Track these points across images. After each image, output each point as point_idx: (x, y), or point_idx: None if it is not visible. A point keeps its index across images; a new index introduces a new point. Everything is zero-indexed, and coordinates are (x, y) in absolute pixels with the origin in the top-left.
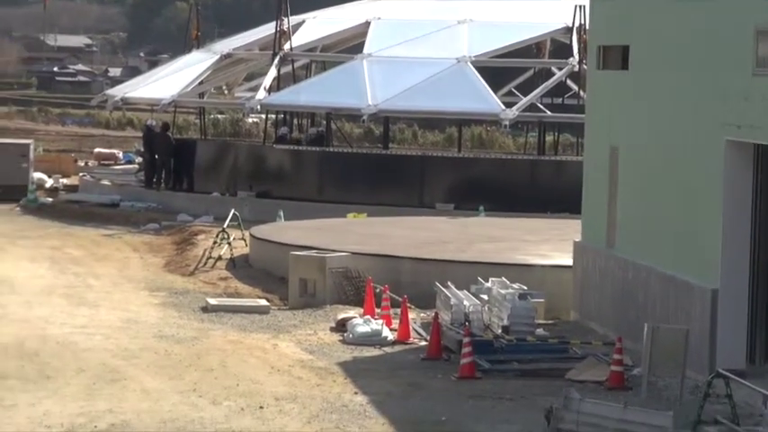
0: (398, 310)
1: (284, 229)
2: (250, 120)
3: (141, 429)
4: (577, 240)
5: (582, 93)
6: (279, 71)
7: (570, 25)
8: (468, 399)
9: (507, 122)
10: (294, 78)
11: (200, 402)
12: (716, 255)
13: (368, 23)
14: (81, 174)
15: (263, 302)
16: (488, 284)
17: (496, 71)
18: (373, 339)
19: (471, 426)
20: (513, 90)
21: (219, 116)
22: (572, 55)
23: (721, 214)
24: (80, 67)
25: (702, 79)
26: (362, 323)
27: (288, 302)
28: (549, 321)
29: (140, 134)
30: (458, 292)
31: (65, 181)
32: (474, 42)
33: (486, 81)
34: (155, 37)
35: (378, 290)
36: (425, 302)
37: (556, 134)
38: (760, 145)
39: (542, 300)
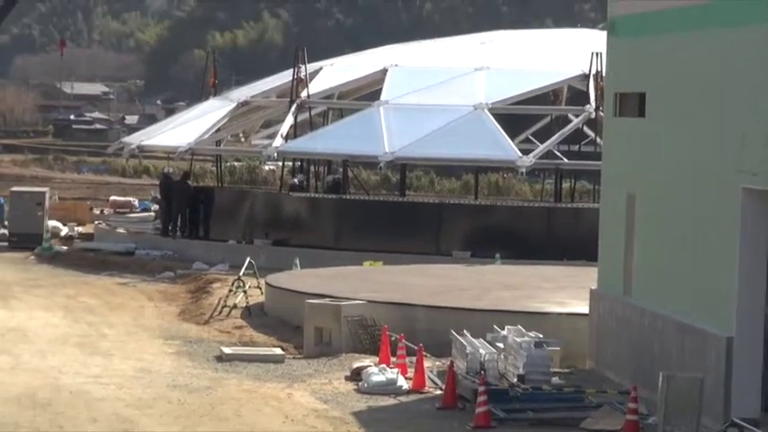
0: (414, 359)
1: (300, 278)
2: (267, 167)
3: None
4: (594, 288)
5: (599, 140)
6: (296, 118)
7: (587, 72)
8: None
9: (524, 170)
10: (311, 126)
11: None
12: (731, 303)
13: (385, 71)
14: (96, 222)
15: (278, 351)
16: (504, 332)
17: (513, 118)
18: (388, 388)
19: None
20: (530, 137)
21: (236, 164)
22: (589, 102)
23: (737, 262)
24: (96, 114)
25: (719, 126)
26: (378, 372)
27: (303, 351)
28: (565, 370)
29: (156, 182)
30: (473, 340)
31: (80, 229)
32: (491, 89)
33: (503, 128)
34: (172, 85)
35: (393, 338)
36: (441, 351)
37: (572, 181)
38: None
39: (558, 348)
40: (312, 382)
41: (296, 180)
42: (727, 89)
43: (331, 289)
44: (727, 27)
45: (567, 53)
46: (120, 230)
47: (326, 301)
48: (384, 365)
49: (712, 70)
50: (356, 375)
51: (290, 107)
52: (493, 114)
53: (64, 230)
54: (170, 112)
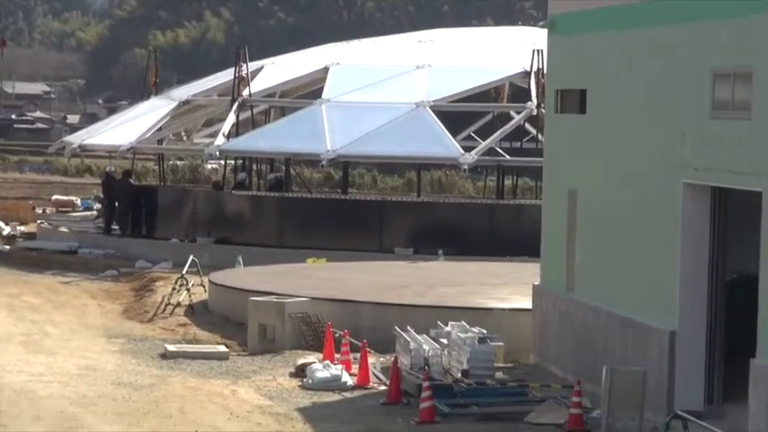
0: (358, 355)
1: (243, 275)
2: (209, 166)
3: None
4: (536, 284)
5: (540, 136)
6: (238, 117)
7: (528, 70)
8: None
9: (466, 167)
10: (253, 124)
11: None
12: (673, 297)
13: (326, 69)
14: (39, 221)
15: (222, 348)
16: (448, 328)
17: (455, 116)
18: (333, 384)
19: None
20: (472, 134)
21: (178, 162)
22: (530, 99)
23: (679, 257)
24: (38, 114)
25: (660, 122)
26: (322, 368)
27: (247, 348)
28: (509, 365)
29: (99, 181)
30: (417, 336)
31: (22, 228)
32: (433, 87)
33: (445, 125)
34: (113, 84)
35: (337, 335)
36: (385, 347)
37: (515, 178)
38: (717, 187)
39: (502, 343)
40: (256, 379)
41: (241, 177)
42: (667, 86)
43: (274, 286)
44: (666, 25)
45: (508, 51)
46: (63, 229)
47: (270, 298)
48: (328, 362)
49: (652, 67)
50: (300, 372)
51: (231, 106)
52: (435, 112)
53: (6, 230)
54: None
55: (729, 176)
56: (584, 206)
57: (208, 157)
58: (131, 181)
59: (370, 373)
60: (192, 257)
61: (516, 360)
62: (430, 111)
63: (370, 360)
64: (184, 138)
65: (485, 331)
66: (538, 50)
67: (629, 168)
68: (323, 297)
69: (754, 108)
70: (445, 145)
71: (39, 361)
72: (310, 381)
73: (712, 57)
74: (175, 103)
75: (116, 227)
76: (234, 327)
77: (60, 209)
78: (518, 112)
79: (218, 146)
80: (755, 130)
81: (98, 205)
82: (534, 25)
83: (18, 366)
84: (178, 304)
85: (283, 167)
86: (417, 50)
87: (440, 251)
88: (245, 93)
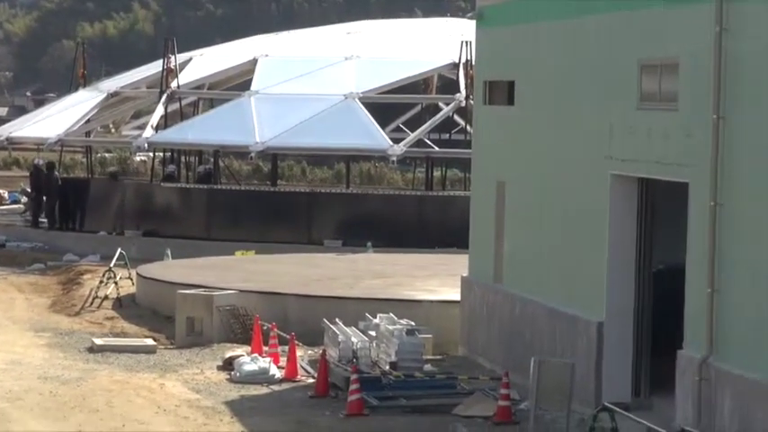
0: (286, 348)
1: (171, 268)
2: (138, 158)
3: None
4: (465, 275)
5: (469, 128)
6: (166, 109)
7: (457, 61)
8: None
9: (395, 158)
10: (182, 116)
11: None
12: (601, 288)
13: (255, 61)
14: None
15: (150, 342)
16: (376, 321)
17: (384, 107)
18: (261, 377)
19: None
20: (401, 126)
21: (107, 155)
22: (459, 90)
23: (607, 248)
24: None
25: (587, 114)
26: (250, 361)
27: (175, 341)
28: (437, 357)
29: (26, 174)
30: (345, 328)
31: None
32: (361, 79)
33: (374, 117)
34: (41, 76)
35: (265, 327)
36: (313, 339)
37: (444, 169)
38: (644, 179)
39: (430, 335)
40: (184, 372)
41: (170, 169)
42: (595, 77)
43: (202, 279)
44: (593, 16)
45: (436, 42)
46: None
47: (198, 291)
48: (256, 355)
49: (579, 59)
50: (228, 365)
51: (160, 98)
52: (363, 103)
53: None
54: (40, 103)
55: (656, 168)
56: (512, 198)
57: (136, 149)
58: (56, 173)
59: (299, 365)
60: (119, 250)
61: (445, 352)
62: (359, 102)
63: (299, 353)
64: (113, 130)
65: (413, 323)
66: (466, 42)
67: (558, 160)
68: (251, 290)
69: (681, 99)
70: (374, 137)
71: None
72: (238, 374)
73: (639, 48)
74: (104, 96)
75: (44, 220)
76: (162, 320)
77: None
78: (447, 104)
79: (147, 138)
80: (682, 122)
81: (25, 198)
82: (463, 17)
83: None
84: (106, 297)
85: (212, 160)
86: (346, 42)
87: (369, 243)
88: (174, 85)
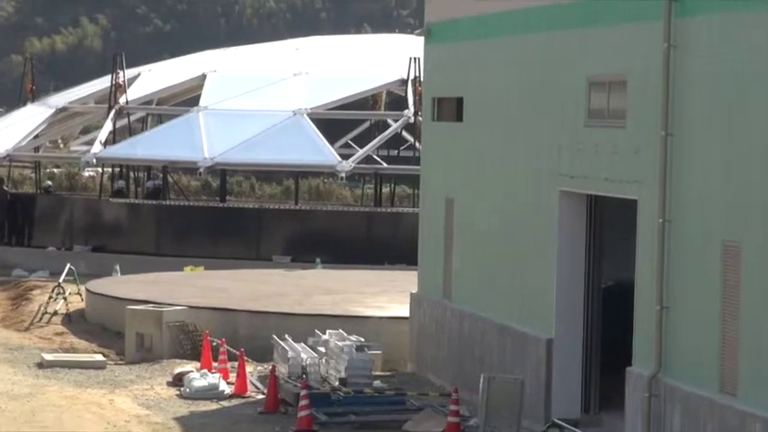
0: (236, 364)
1: (120, 284)
2: (86, 173)
3: None
4: (414, 292)
5: (418, 144)
6: (115, 124)
7: (405, 78)
8: None
9: (344, 174)
10: (130, 131)
11: None
12: (550, 305)
13: (204, 76)
14: None
15: (100, 357)
16: (325, 337)
17: (333, 123)
18: (210, 393)
19: None
20: (350, 142)
21: (55, 170)
22: (407, 107)
23: (555, 264)
24: None
25: (536, 130)
26: (199, 377)
27: (124, 357)
28: (387, 373)
29: None
30: (295, 344)
31: None
32: (310, 95)
33: (323, 133)
34: None
35: (215, 343)
36: (263, 356)
37: (392, 186)
38: (593, 196)
39: (379, 351)
40: (134, 388)
41: (119, 184)
42: (543, 93)
43: (152, 295)
44: (541, 32)
45: (385, 59)
46: None
47: (147, 306)
48: (206, 371)
49: (527, 75)
50: (178, 381)
51: (108, 113)
52: (312, 119)
53: None
54: None
55: (605, 184)
56: (461, 214)
57: (85, 164)
58: (5, 189)
59: (248, 381)
60: (69, 266)
61: (394, 368)
62: (307, 118)
63: (248, 369)
64: (61, 145)
65: (362, 339)
66: (415, 58)
67: (506, 176)
68: (201, 306)
69: (629, 116)
70: (323, 153)
71: None
72: (188, 390)
73: (588, 65)
74: (52, 111)
75: None
76: (111, 335)
77: None
78: (395, 120)
79: (95, 153)
80: (630, 139)
81: None
82: (411, 33)
83: None
84: (55, 313)
85: (161, 175)
86: (295, 58)
87: (318, 259)
88: (123, 100)
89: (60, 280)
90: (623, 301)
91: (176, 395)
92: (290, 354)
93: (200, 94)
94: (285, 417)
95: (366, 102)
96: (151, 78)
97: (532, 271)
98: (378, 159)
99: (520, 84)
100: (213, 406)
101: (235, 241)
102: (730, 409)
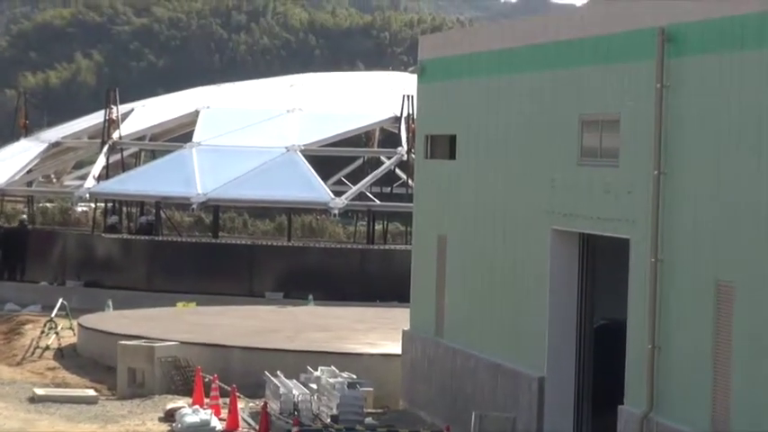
0: (228, 400)
1: (112, 319)
2: (79, 208)
3: None
4: (406, 329)
5: (410, 182)
6: (108, 159)
7: (399, 115)
8: None
9: (336, 211)
10: (123, 167)
11: None
12: (543, 343)
13: (197, 112)
14: None
15: (91, 392)
16: (317, 373)
17: (326, 160)
18: (202, 429)
19: None
20: (343, 179)
21: (48, 204)
22: (401, 144)
23: (547, 302)
24: None
25: (529, 168)
26: (191, 413)
27: (116, 392)
28: (379, 410)
29: None
30: (287, 381)
31: None
32: (303, 131)
33: (316, 170)
34: None
35: (207, 379)
36: (255, 392)
37: (385, 223)
38: (585, 234)
39: (371, 388)
40: (126, 423)
41: (112, 219)
42: (536, 132)
43: (144, 330)
44: (534, 71)
45: (378, 96)
46: None
47: (139, 342)
48: (197, 406)
49: (520, 114)
50: (170, 416)
51: (101, 148)
52: (305, 156)
53: None
54: None
55: (598, 223)
56: (453, 252)
57: (78, 199)
58: None
59: (240, 417)
60: (61, 300)
61: (386, 405)
62: (300, 155)
63: (240, 405)
64: (54, 180)
65: (354, 376)
66: (408, 96)
67: (499, 214)
68: (193, 341)
69: (622, 155)
70: (316, 189)
71: None
72: (179, 425)
73: (580, 104)
74: (45, 145)
75: None
76: (103, 370)
77: None
78: (388, 158)
79: (89, 188)
80: (623, 178)
81: None
82: (405, 71)
83: None
84: (47, 347)
85: (154, 211)
86: (289, 94)
87: (310, 296)
88: (116, 135)
89: (53, 315)
90: (615, 339)
91: (168, 431)
92: (282, 390)
93: (193, 130)
94: None
95: (359, 139)
96: (144, 114)
97: (525, 308)
98: (371, 196)
99: (513, 122)
100: None
101: (227, 277)
102: None
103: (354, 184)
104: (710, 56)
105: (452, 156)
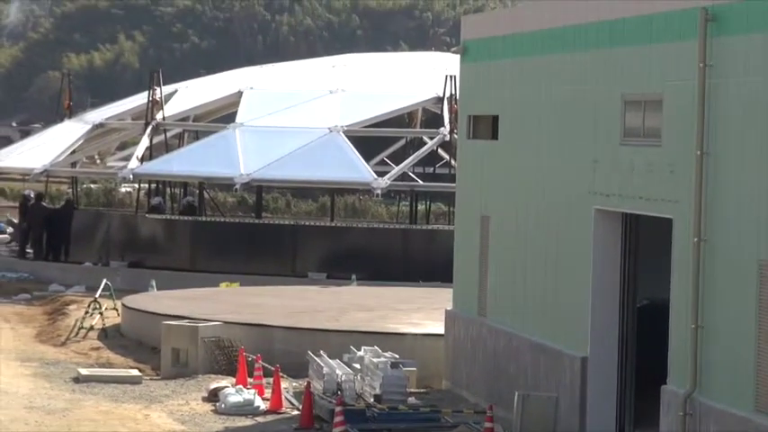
0: (271, 380)
1: (156, 299)
2: (123, 189)
3: None
4: (449, 309)
5: (453, 162)
6: (151, 140)
7: (441, 95)
8: None
9: (379, 191)
10: (167, 148)
11: None
12: (585, 323)
13: (240, 93)
14: None
15: (135, 372)
16: (361, 353)
17: (368, 140)
18: (245, 409)
19: None
20: (386, 159)
21: (92, 185)
22: (443, 124)
23: (590, 282)
24: None
25: (571, 149)
26: (235, 393)
27: (160, 372)
28: (421, 390)
29: (11, 204)
30: (330, 361)
31: None
32: (346, 112)
33: (359, 150)
34: (27, 106)
35: (250, 359)
36: (298, 372)
37: (428, 203)
38: (628, 213)
39: (414, 368)
40: (169, 403)
41: (157, 200)
42: (579, 112)
43: (188, 310)
44: (577, 52)
45: (421, 76)
46: None
47: (183, 322)
48: (241, 386)
49: (563, 94)
50: (213, 396)
51: (145, 129)
52: (348, 137)
53: None
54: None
55: (640, 203)
56: (496, 232)
57: (121, 180)
58: (44, 204)
59: (283, 397)
60: (105, 281)
61: (429, 385)
62: (343, 135)
63: (283, 385)
64: (98, 161)
65: (397, 356)
66: (451, 76)
67: (542, 194)
68: (236, 321)
69: (665, 135)
70: (359, 170)
71: None
72: (223, 405)
73: (623, 84)
74: (89, 127)
75: (30, 250)
76: (147, 351)
77: None
78: (431, 138)
79: (132, 169)
80: (666, 157)
81: (11, 229)
82: (448, 51)
83: None
84: (91, 328)
85: (197, 191)
86: (331, 75)
87: (353, 276)
88: (159, 116)
89: (96, 295)
90: (658, 319)
91: (211, 411)
92: (326, 370)
93: (236, 111)
94: None
95: (402, 119)
96: (188, 95)
97: (567, 289)
98: (413, 177)
99: (555, 102)
100: (248, 422)
101: (270, 257)
102: (766, 428)
103: (397, 164)
104: (754, 35)
105: (495, 136)
